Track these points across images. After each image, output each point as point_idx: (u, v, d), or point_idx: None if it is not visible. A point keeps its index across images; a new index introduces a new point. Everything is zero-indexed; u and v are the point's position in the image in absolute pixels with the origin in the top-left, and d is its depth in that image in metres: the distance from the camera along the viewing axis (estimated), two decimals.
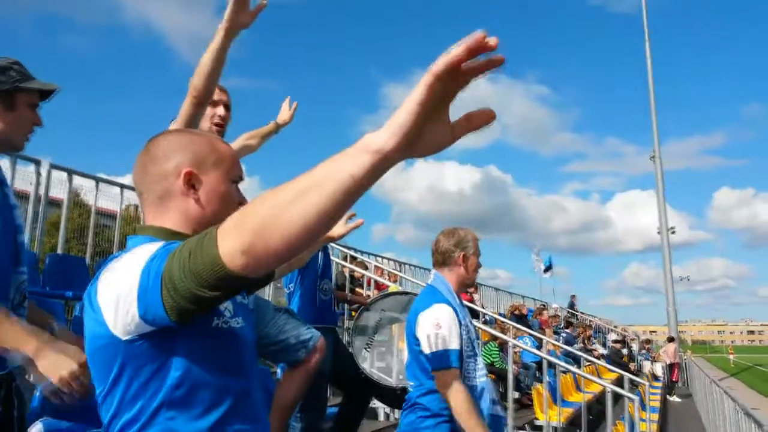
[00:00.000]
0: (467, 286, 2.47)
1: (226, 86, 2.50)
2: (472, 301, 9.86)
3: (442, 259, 2.38)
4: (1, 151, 1.74)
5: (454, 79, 0.69)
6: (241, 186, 1.21)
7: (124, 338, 0.95)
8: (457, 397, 2.08)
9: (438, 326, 2.15)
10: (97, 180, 5.16)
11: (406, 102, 0.71)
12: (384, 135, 0.72)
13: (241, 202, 1.16)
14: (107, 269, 1.00)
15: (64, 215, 4.97)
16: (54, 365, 1.46)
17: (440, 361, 2.12)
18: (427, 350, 2.15)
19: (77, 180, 5.08)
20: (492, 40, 0.68)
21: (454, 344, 2.15)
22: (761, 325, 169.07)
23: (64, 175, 4.86)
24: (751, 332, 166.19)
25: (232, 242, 0.79)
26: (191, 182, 1.09)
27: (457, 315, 2.23)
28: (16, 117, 1.62)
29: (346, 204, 0.75)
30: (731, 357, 48.28)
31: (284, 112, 2.86)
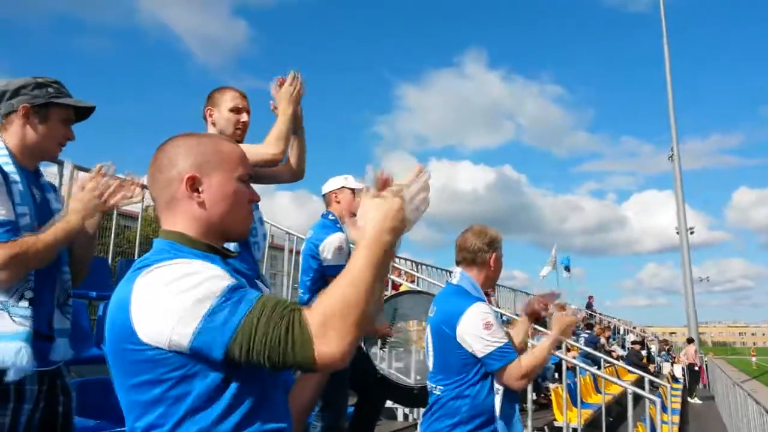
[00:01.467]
0: (491, 285, 2.45)
1: (241, 87, 2.52)
2: (489, 301, 9.81)
3: (471, 258, 2.31)
4: (36, 160, 1.84)
5: None
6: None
7: (152, 345, 0.97)
8: (531, 367, 2.12)
9: (488, 325, 2.11)
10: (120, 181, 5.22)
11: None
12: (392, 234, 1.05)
13: (253, 199, 1.19)
14: (143, 276, 1.02)
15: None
16: (80, 204, 1.76)
17: (503, 356, 2.10)
18: (485, 351, 2.09)
19: None
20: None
21: (506, 338, 2.15)
22: None
23: (86, 176, 4.92)
24: None
25: (332, 351, 0.94)
26: (194, 185, 1.12)
27: None
28: (48, 130, 1.78)
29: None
30: (753, 359, 47.44)
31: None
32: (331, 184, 3.31)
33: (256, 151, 2.26)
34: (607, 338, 15.12)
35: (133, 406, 1.02)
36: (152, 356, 0.97)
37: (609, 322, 20.22)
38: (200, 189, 1.12)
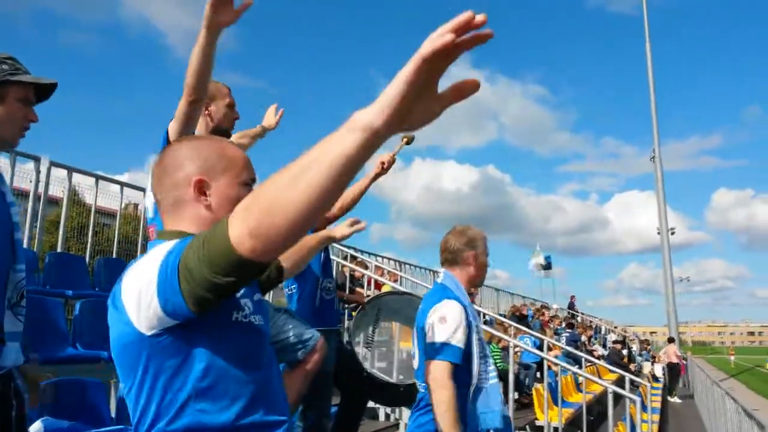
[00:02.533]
0: (476, 285, 2.46)
1: (226, 83, 2.54)
2: (472, 301, 9.85)
3: (452, 258, 2.37)
4: None
5: (442, 59, 0.71)
6: None
7: (149, 333, 0.99)
8: (443, 393, 2.03)
9: (443, 320, 2.13)
10: (97, 178, 5.15)
11: (395, 81, 0.72)
12: (373, 112, 0.74)
13: None
14: (128, 270, 1.05)
15: (64, 213, 4.95)
16: None
17: (437, 352, 2.08)
18: (430, 340, 2.12)
19: (76, 177, 5.06)
20: (479, 18, 0.69)
21: (456, 340, 2.10)
22: (761, 326, 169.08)
23: (64, 172, 4.84)
24: (751, 333, 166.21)
25: (241, 226, 0.83)
26: (202, 189, 1.14)
27: (468, 314, 2.21)
28: (6, 111, 1.62)
29: (342, 181, 0.78)
30: (732, 358, 48.24)
31: (270, 117, 2.97)
32: None
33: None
34: (589, 338, 15.28)
35: (138, 395, 1.04)
36: (151, 344, 1.00)
37: (591, 322, 20.43)
38: (207, 192, 1.14)
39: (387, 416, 5.10)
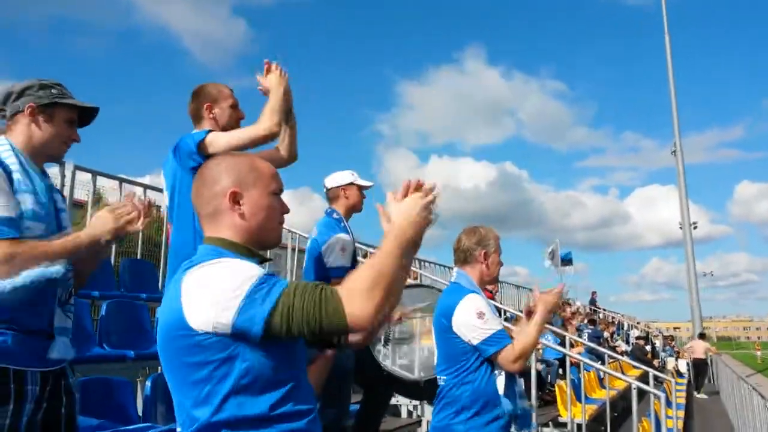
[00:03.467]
0: (489, 283, 2.55)
1: (234, 86, 2.60)
2: (492, 298, 9.80)
3: (464, 257, 2.45)
4: (42, 161, 1.86)
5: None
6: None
7: (200, 331, 1.13)
8: (524, 350, 2.22)
9: (481, 314, 2.23)
10: (121, 180, 5.23)
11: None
12: (412, 234, 1.22)
13: (284, 210, 1.37)
14: (192, 273, 1.20)
15: (89, 216, 5.04)
16: (99, 221, 1.76)
17: (498, 342, 2.21)
18: (480, 338, 2.21)
19: (100, 181, 5.15)
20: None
21: (499, 325, 2.26)
22: None
23: (88, 176, 4.93)
24: None
25: (359, 312, 1.11)
26: (236, 200, 1.29)
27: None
28: (54, 129, 1.81)
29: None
30: (758, 353, 47.37)
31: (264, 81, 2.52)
32: (338, 179, 3.19)
33: (250, 131, 2.36)
34: (611, 333, 15.11)
35: (182, 386, 1.18)
36: (200, 341, 1.13)
37: (613, 318, 20.20)
38: (241, 202, 1.29)
39: (410, 413, 5.11)
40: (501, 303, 9.92)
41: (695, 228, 27.61)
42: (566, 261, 24.51)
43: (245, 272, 1.15)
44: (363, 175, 3.21)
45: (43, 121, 1.79)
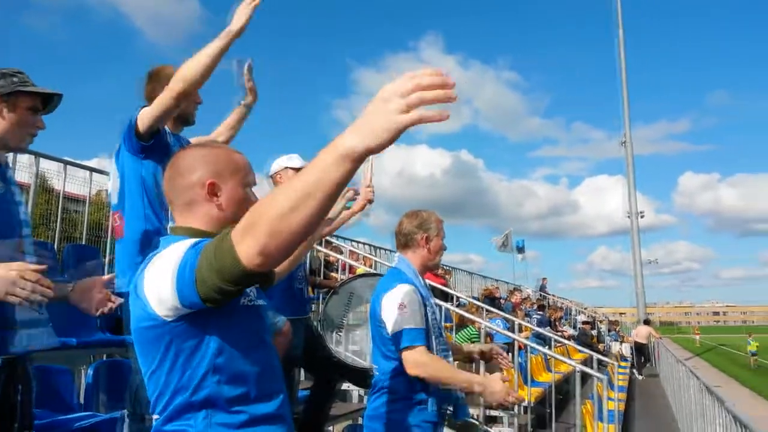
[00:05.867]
0: (431, 268, 2.47)
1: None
2: (445, 284, 9.96)
3: (404, 241, 2.38)
4: (5, 150, 1.85)
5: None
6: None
7: (168, 320, 1.16)
8: (433, 366, 2.10)
9: (402, 306, 2.14)
10: (65, 163, 5.04)
11: (380, 117, 0.90)
12: (356, 142, 0.91)
13: (254, 202, 1.34)
14: (150, 264, 1.22)
15: (31, 200, 4.85)
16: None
17: (407, 339, 2.11)
18: (391, 331, 2.14)
19: (44, 163, 4.96)
20: (450, 83, 0.90)
21: (417, 323, 2.15)
22: (725, 306, 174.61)
23: (31, 158, 4.74)
24: (716, 313, 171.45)
25: (248, 246, 0.99)
26: (214, 191, 1.30)
27: (421, 295, 2.23)
28: (17, 119, 1.78)
29: (333, 203, 0.98)
30: (697, 337, 49.83)
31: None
32: (275, 166, 3.21)
33: (166, 90, 2.15)
34: (559, 319, 15.58)
35: (157, 373, 1.20)
36: (170, 328, 1.16)
37: (561, 304, 20.81)
38: (218, 194, 1.31)
39: (361, 398, 5.17)
40: (454, 289, 10.10)
41: (642, 217, 28.69)
42: (519, 249, 25.10)
43: (177, 250, 1.16)
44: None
45: (5, 111, 1.75)
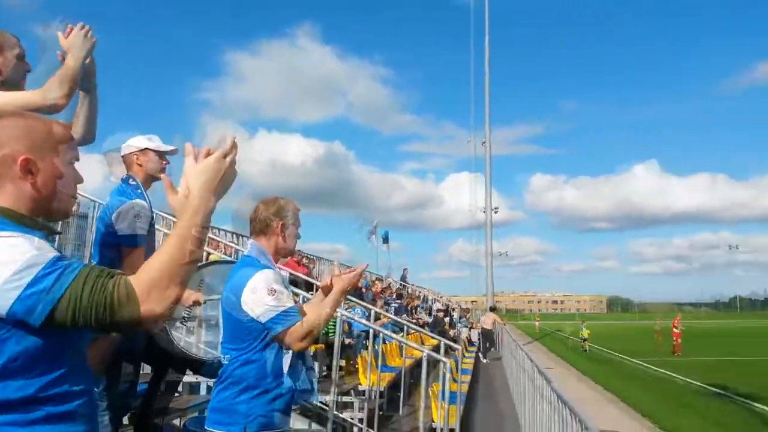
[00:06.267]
0: (284, 255, 2.50)
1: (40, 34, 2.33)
2: (309, 274, 10.00)
3: (260, 228, 2.38)
4: None
5: None
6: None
7: None
8: (312, 327, 2.18)
9: (272, 290, 2.17)
10: None
11: (205, 205, 1.20)
12: (198, 223, 1.18)
13: (78, 180, 1.29)
14: None
15: None
16: None
17: (286, 320, 2.16)
18: (265, 317, 2.14)
19: None
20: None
21: (291, 303, 2.21)
22: (563, 295, 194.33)
23: None
24: (555, 302, 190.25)
25: (155, 309, 1.09)
26: (28, 168, 1.18)
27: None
28: None
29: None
30: (537, 324, 54.87)
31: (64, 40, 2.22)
32: (131, 145, 2.93)
33: (28, 97, 2.05)
34: (416, 307, 16.33)
35: None
36: None
37: (420, 293, 21.82)
38: (33, 171, 1.18)
39: (209, 389, 5.05)
40: (318, 279, 10.18)
41: (496, 213, 30.99)
42: (384, 240, 25.86)
43: (30, 255, 1.06)
44: (173, 139, 2.99)
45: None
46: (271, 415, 2.16)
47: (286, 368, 2.20)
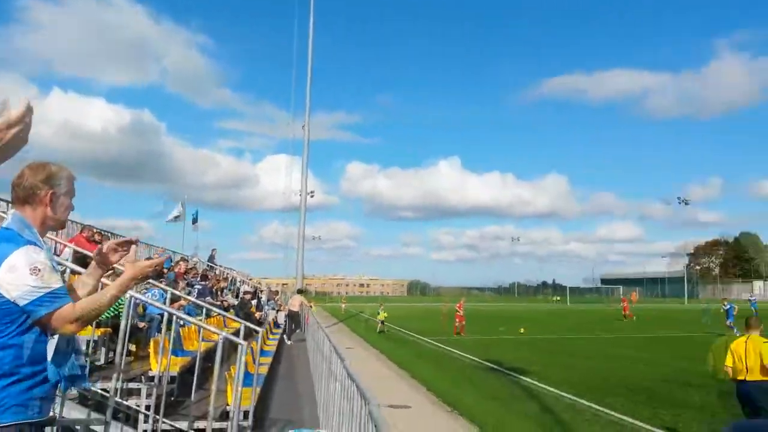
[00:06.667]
0: (53, 228, 2.29)
1: None
2: (91, 249, 9.17)
3: (24, 196, 2.12)
4: None
5: None
6: None
7: None
8: (86, 310, 2.04)
9: (35, 269, 1.97)
10: None
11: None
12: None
13: None
14: None
15: None
16: None
17: (53, 302, 1.98)
18: (30, 297, 1.95)
19: None
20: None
21: (58, 283, 2.03)
22: (370, 279, 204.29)
23: None
24: (362, 285, 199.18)
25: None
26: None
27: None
28: None
29: None
30: (343, 306, 56.96)
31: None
32: None
33: None
34: (222, 289, 15.93)
35: None
36: None
37: (227, 274, 21.30)
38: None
39: None
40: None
41: (312, 197, 31.37)
42: (194, 220, 24.68)
43: None
44: None
45: None
46: (27, 404, 2.00)
47: (50, 354, 2.04)
